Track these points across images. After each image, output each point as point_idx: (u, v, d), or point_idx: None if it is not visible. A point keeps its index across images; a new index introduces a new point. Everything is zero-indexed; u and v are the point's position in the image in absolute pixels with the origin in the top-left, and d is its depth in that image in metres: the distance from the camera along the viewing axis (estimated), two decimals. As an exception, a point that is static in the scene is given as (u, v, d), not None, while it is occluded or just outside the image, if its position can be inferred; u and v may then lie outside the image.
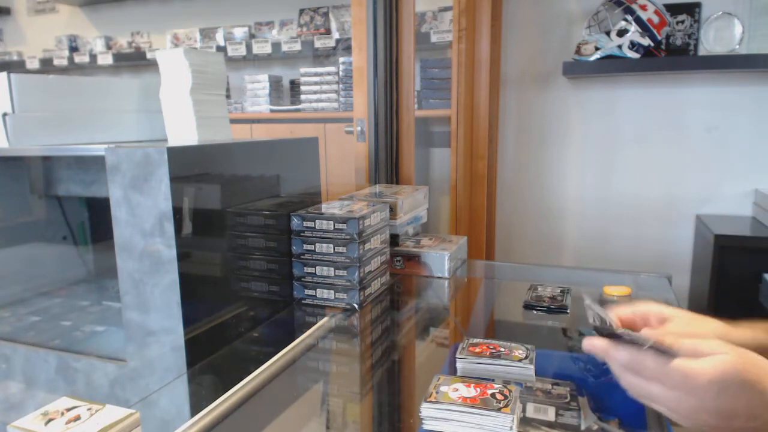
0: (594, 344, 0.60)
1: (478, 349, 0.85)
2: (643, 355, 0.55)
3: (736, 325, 0.66)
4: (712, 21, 2.14)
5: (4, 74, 1.07)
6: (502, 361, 0.82)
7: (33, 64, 3.65)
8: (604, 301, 1.17)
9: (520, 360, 0.82)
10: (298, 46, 2.92)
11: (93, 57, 3.48)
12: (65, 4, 3.72)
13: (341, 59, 2.78)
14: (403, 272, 1.36)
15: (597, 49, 2.11)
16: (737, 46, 2.10)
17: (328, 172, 2.44)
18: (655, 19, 2.03)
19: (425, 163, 2.63)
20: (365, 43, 1.60)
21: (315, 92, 2.85)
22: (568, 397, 0.75)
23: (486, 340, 0.88)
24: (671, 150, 2.28)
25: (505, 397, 0.68)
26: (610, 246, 2.42)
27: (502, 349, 0.85)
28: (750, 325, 0.67)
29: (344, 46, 2.81)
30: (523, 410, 0.71)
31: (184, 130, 1.16)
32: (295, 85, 3.04)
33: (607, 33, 2.10)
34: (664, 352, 0.54)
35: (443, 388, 0.71)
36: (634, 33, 2.04)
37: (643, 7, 2.03)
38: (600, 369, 0.89)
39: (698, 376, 0.51)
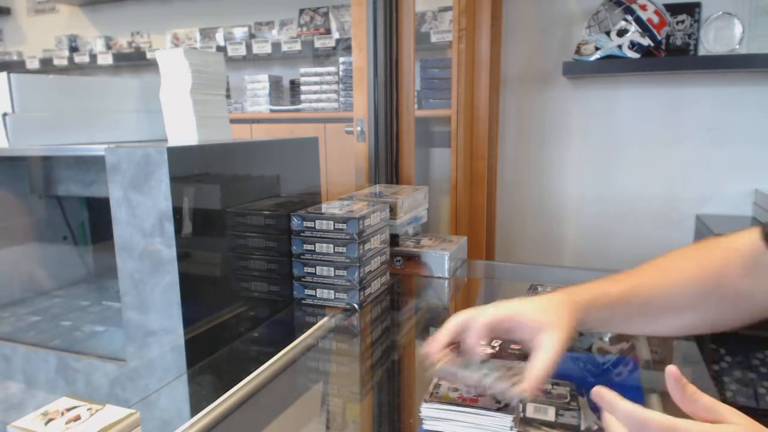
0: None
1: (478, 349, 0.85)
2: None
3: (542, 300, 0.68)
4: (712, 21, 2.14)
5: (4, 74, 1.07)
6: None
7: (33, 64, 3.65)
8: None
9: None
10: (298, 46, 2.92)
11: (93, 57, 3.48)
12: (65, 4, 3.72)
13: (341, 59, 2.78)
14: (403, 272, 1.36)
15: (597, 49, 2.11)
16: (737, 46, 2.10)
17: (328, 172, 2.44)
18: (655, 19, 2.03)
19: (425, 163, 2.63)
20: (365, 43, 1.60)
21: (315, 92, 2.85)
22: (568, 397, 0.75)
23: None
24: (671, 150, 2.28)
25: (505, 397, 0.68)
26: (610, 246, 2.42)
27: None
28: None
29: (344, 46, 2.81)
30: (523, 410, 0.71)
31: (184, 130, 1.16)
32: (295, 85, 3.04)
33: (607, 33, 2.10)
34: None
35: (443, 388, 0.71)
36: (634, 33, 2.04)
37: (643, 7, 2.03)
38: (600, 369, 0.90)
39: None
